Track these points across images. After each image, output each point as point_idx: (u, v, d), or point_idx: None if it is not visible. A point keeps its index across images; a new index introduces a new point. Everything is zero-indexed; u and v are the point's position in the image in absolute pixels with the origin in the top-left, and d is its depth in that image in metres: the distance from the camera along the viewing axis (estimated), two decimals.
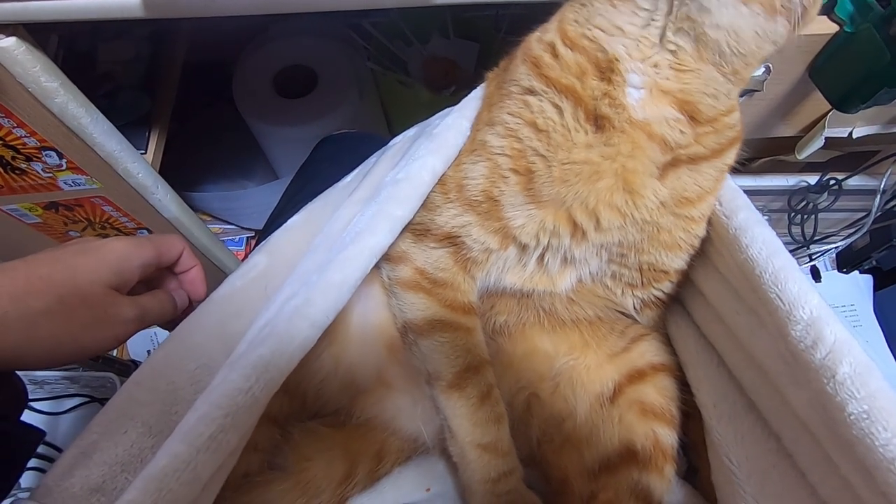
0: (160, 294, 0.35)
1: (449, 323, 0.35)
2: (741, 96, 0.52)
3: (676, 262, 0.35)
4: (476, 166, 0.33)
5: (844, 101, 0.46)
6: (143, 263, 0.33)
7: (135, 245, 0.32)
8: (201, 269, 0.38)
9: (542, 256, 0.35)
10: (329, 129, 0.64)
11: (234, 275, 0.36)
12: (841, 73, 0.45)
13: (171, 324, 0.37)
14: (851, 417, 0.23)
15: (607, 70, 0.29)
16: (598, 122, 0.30)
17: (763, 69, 0.46)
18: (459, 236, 0.34)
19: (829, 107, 0.52)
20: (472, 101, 0.37)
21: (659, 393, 0.37)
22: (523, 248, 0.34)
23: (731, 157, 0.32)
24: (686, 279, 0.37)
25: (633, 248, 0.34)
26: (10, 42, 0.41)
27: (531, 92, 0.31)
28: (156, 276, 0.36)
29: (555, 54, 0.30)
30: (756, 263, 0.28)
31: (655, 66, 0.29)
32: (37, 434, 0.29)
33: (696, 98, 0.29)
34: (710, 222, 0.34)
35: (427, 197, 0.34)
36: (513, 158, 0.31)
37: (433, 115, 0.41)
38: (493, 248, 0.34)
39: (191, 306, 0.38)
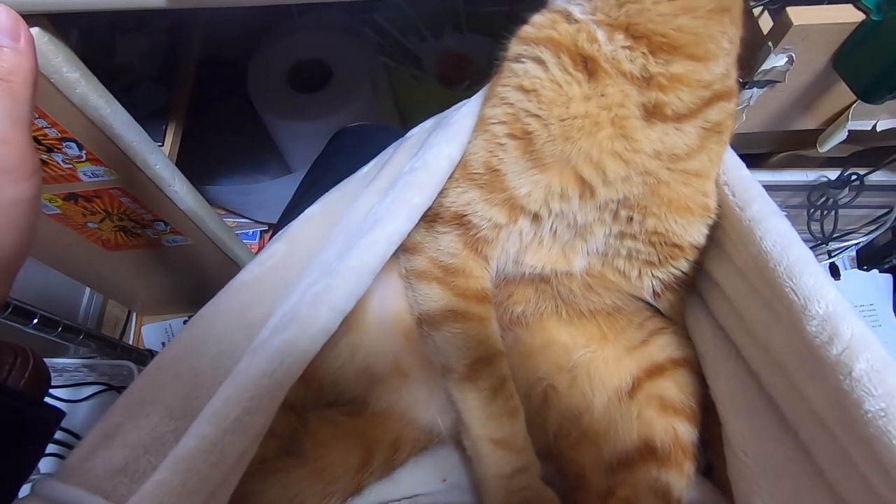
0: None
1: (461, 313, 0.35)
2: (762, 87, 0.51)
3: (690, 232, 0.34)
4: (476, 141, 0.34)
5: (870, 92, 0.45)
6: None
7: None
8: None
9: (553, 228, 0.35)
10: (342, 124, 0.64)
11: (253, 262, 0.36)
12: (867, 63, 0.44)
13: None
14: (868, 415, 0.22)
15: (571, 18, 0.32)
16: (589, 66, 0.31)
17: (786, 59, 0.45)
18: (466, 214, 0.34)
19: (853, 98, 0.51)
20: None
21: (679, 388, 0.36)
22: (535, 218, 0.34)
23: (713, 115, 0.31)
24: (703, 266, 0.36)
25: (636, 207, 0.33)
26: (33, 32, 0.42)
27: (515, 59, 0.33)
28: None
29: (530, 22, 0.33)
30: (770, 256, 0.27)
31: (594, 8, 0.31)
32: (57, 414, 0.30)
33: (633, 19, 0.30)
34: (723, 213, 0.33)
35: None
36: (507, 124, 0.32)
37: (446, 110, 0.41)
38: (501, 222, 0.34)
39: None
